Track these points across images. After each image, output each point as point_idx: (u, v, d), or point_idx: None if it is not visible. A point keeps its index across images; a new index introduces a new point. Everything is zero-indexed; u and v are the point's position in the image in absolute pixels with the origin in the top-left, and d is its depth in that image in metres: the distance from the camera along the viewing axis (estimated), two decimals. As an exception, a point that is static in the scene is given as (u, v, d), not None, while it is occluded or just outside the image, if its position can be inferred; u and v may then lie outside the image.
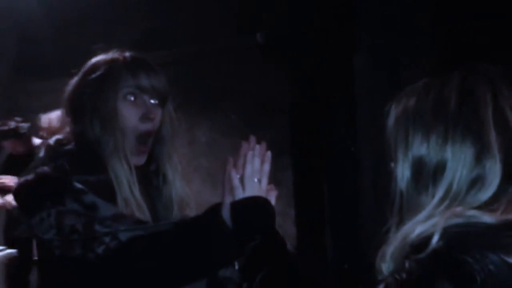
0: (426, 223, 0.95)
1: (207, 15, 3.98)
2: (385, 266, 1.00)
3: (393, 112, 1.05)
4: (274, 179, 4.23)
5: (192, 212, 1.60)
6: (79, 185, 1.45)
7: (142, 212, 1.51)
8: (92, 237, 1.37)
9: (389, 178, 2.07)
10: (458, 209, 0.95)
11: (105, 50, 1.62)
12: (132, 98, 1.54)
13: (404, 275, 0.93)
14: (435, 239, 0.92)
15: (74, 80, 1.60)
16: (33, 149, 3.75)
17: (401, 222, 1.01)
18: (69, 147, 1.58)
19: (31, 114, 3.72)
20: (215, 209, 1.37)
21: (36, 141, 3.79)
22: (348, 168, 1.91)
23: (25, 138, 3.87)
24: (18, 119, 3.84)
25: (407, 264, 0.93)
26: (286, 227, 3.76)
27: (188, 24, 4.07)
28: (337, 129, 1.96)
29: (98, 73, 1.56)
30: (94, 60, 1.61)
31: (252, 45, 3.72)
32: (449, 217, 0.94)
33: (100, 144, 1.53)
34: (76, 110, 1.57)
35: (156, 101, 1.57)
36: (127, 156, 1.53)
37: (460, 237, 0.93)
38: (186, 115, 4.42)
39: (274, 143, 4.21)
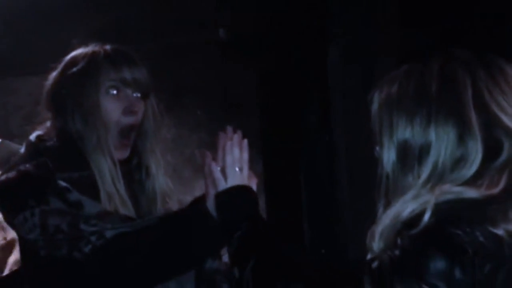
0: (416, 200, 1.01)
1: (167, 10, 3.95)
2: (376, 245, 1.04)
3: (377, 99, 1.10)
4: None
5: (174, 206, 1.60)
6: (63, 183, 1.44)
7: (126, 207, 1.51)
8: (78, 236, 1.36)
9: (364, 165, 2.11)
10: (446, 186, 1.00)
11: (84, 44, 1.61)
12: (115, 92, 1.54)
13: (397, 252, 0.97)
14: (427, 215, 0.97)
15: (53, 75, 1.58)
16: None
17: (388, 204, 1.07)
18: (50, 143, 1.55)
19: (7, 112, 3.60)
20: (199, 201, 1.39)
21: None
22: (322, 157, 1.95)
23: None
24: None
25: (399, 241, 0.98)
26: (255, 220, 3.79)
27: (148, 19, 4.04)
28: (310, 120, 1.99)
29: (78, 67, 1.55)
30: (74, 53, 1.60)
31: (215, 40, 3.72)
32: (439, 195, 0.99)
33: (82, 139, 1.52)
34: (57, 105, 1.56)
35: (139, 95, 1.57)
36: (111, 151, 1.53)
37: (450, 213, 0.98)
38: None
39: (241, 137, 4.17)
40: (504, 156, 1.02)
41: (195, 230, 1.38)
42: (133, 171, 1.62)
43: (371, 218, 1.92)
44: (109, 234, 1.37)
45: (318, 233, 2.02)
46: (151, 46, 4.10)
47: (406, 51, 1.95)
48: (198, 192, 4.48)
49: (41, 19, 3.92)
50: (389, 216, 1.04)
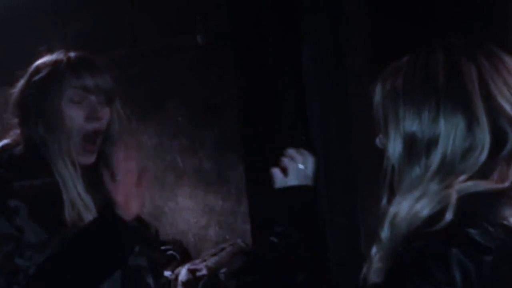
0: (433, 197, 0.99)
1: (145, 15, 3.94)
2: (384, 234, 1.03)
3: (380, 90, 1.08)
4: (221, 178, 4.24)
5: (146, 211, 1.62)
6: (13, 202, 1.46)
7: (89, 211, 1.52)
8: (13, 270, 1.40)
9: (340, 161, 2.09)
10: (460, 181, 0.99)
11: (50, 51, 1.61)
12: (78, 99, 1.54)
13: (417, 247, 0.95)
14: (448, 214, 0.95)
15: (20, 83, 1.59)
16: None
17: (392, 195, 1.05)
18: (16, 150, 1.56)
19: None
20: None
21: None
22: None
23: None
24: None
25: (418, 239, 0.95)
26: (237, 224, 3.79)
27: (126, 25, 4.02)
28: (287, 121, 2.00)
29: (42, 74, 1.57)
30: (40, 61, 1.61)
31: (193, 45, 3.71)
32: (456, 191, 0.97)
33: (45, 146, 1.53)
34: (22, 113, 1.57)
35: (102, 101, 1.57)
36: (73, 157, 1.53)
37: (467, 209, 0.96)
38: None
39: (222, 142, 4.21)
40: (509, 146, 1.01)
41: (107, 237, 1.43)
42: (101, 175, 1.62)
43: (347, 209, 1.95)
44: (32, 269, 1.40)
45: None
46: (130, 52, 4.08)
47: (377, 47, 1.99)
48: (180, 198, 4.44)
49: (20, 26, 3.89)
50: (402, 210, 1.01)
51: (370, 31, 1.96)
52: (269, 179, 2.28)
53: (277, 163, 2.03)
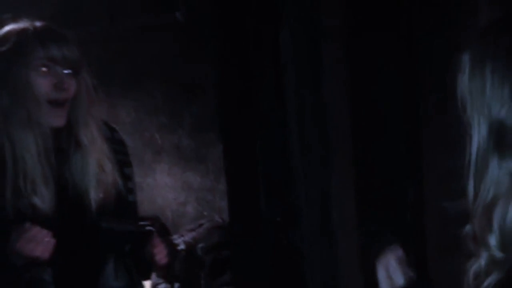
0: None
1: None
2: (493, 241, 0.87)
3: (467, 63, 0.91)
4: (200, 156, 4.28)
5: (108, 180, 1.63)
6: None
7: (45, 182, 1.52)
8: None
9: (314, 137, 2.09)
10: None
11: (15, 20, 1.60)
12: (44, 69, 1.55)
13: None
14: None
15: None
16: None
17: (478, 188, 0.90)
18: None
19: None
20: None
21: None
22: (278, 133, 2.03)
23: None
24: None
25: None
26: (215, 201, 3.84)
27: (106, 2, 3.99)
28: (265, 99, 2.05)
29: (7, 45, 1.55)
30: (4, 30, 1.59)
31: (172, 23, 3.72)
32: None
33: (9, 116, 1.52)
34: None
35: (69, 71, 1.58)
36: (40, 125, 1.53)
37: None
38: (108, 96, 4.37)
39: (199, 120, 4.24)
40: None
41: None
42: (63, 142, 1.62)
43: (322, 186, 2.01)
44: None
45: (274, 203, 2.12)
46: (109, 28, 4.07)
47: (356, 30, 2.04)
48: (158, 175, 4.47)
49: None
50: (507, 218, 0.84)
51: (346, 14, 2.01)
52: (246, 157, 2.35)
53: (253, 142, 2.10)
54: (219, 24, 2.15)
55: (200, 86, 3.73)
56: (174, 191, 3.95)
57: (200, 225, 3.50)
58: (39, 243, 1.41)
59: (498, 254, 0.86)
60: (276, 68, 1.95)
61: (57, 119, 1.56)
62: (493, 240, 0.86)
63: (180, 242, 3.17)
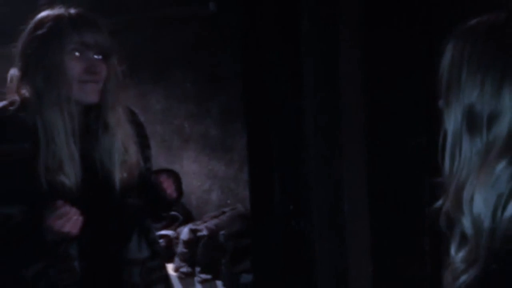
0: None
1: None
2: (466, 220, 0.91)
3: (449, 52, 0.98)
4: (225, 145, 4.34)
5: (133, 165, 1.70)
6: None
7: (72, 161, 1.61)
8: None
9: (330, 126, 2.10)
10: None
11: (50, 6, 1.68)
12: (77, 54, 1.63)
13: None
14: None
15: (22, 36, 1.66)
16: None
17: (452, 168, 0.95)
18: (4, 113, 1.64)
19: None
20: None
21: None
22: (293, 123, 2.08)
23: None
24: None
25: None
26: (239, 190, 3.91)
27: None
28: (285, 93, 2.11)
29: (44, 29, 1.63)
30: (41, 15, 1.67)
31: (203, 13, 3.78)
32: None
33: (41, 97, 1.61)
34: (23, 64, 1.64)
35: (100, 57, 1.66)
36: (70, 107, 1.62)
37: None
38: (140, 83, 4.47)
39: (227, 110, 4.29)
40: None
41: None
42: (91, 124, 1.70)
43: (333, 178, 2.05)
44: None
45: (288, 192, 2.17)
46: (142, 18, 4.15)
47: (369, 23, 2.06)
48: (185, 162, 4.55)
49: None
50: (478, 200, 0.89)
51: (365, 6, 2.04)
52: (271, 149, 2.40)
53: (277, 134, 2.15)
54: (246, 16, 2.21)
55: (229, 76, 3.79)
56: (199, 179, 4.03)
57: (223, 212, 3.57)
58: (69, 220, 1.50)
59: (470, 232, 0.90)
60: (295, 60, 2.00)
61: (91, 96, 1.64)
62: (467, 220, 0.90)
63: (203, 228, 3.25)
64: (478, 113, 0.92)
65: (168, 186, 1.76)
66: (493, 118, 0.91)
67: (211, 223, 3.36)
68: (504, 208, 0.88)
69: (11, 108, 1.65)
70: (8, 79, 1.71)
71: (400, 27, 2.01)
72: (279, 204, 2.15)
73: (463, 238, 0.93)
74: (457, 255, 0.93)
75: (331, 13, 1.99)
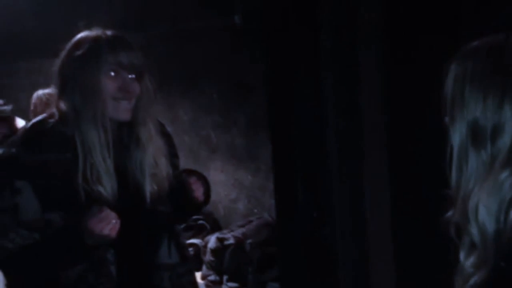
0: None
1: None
2: (474, 230, 0.96)
3: (454, 71, 1.04)
4: (251, 155, 4.40)
5: (163, 180, 1.77)
6: (19, 183, 1.66)
7: (109, 175, 1.69)
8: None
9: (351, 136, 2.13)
10: None
11: (88, 27, 1.77)
12: (113, 74, 1.71)
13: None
14: None
15: (62, 55, 1.75)
16: (16, 130, 3.85)
17: (459, 182, 1.01)
18: (45, 125, 1.73)
19: (16, 93, 3.77)
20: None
21: (20, 122, 3.89)
22: (315, 133, 2.13)
23: (8, 120, 3.94)
24: (1, 101, 3.92)
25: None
26: (265, 199, 3.95)
27: (167, 5, 4.18)
28: (304, 99, 2.15)
29: (83, 50, 1.72)
30: (79, 36, 1.77)
31: (231, 26, 3.85)
32: None
33: (79, 114, 1.70)
34: (62, 82, 1.74)
35: (134, 76, 1.74)
36: (105, 122, 1.70)
37: None
38: (168, 95, 4.58)
39: (253, 120, 4.36)
40: None
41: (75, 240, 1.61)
42: (124, 139, 1.77)
43: (355, 185, 2.08)
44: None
45: (311, 200, 2.21)
46: (170, 31, 4.25)
47: (388, 38, 2.10)
48: (212, 171, 4.61)
49: (68, 7, 4.09)
50: (482, 208, 0.95)
51: (383, 18, 2.07)
52: (295, 157, 2.44)
53: (301, 143, 2.19)
54: (270, 28, 2.26)
55: (254, 87, 3.85)
56: (226, 188, 4.09)
57: (250, 221, 3.61)
58: (108, 223, 1.57)
59: (477, 239, 0.95)
60: (316, 70, 2.05)
61: (124, 114, 1.72)
62: (474, 228, 0.96)
63: (230, 237, 3.30)
64: (482, 128, 0.98)
65: (197, 188, 1.83)
66: (496, 132, 0.97)
67: (238, 232, 3.40)
68: (507, 212, 0.93)
69: (50, 120, 1.74)
70: (32, 105, 1.80)
71: (420, 40, 2.04)
72: (302, 212, 2.19)
73: (472, 245, 0.98)
74: (466, 261, 0.98)
75: (350, 29, 2.03)
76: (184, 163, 4.17)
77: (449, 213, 1.02)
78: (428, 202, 2.02)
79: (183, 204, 1.87)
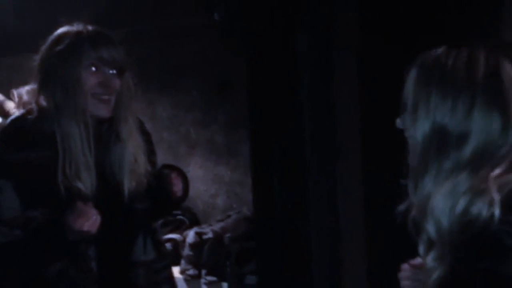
0: (478, 197, 0.95)
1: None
2: (430, 227, 1.00)
3: (415, 74, 1.06)
4: (231, 151, 4.46)
5: (141, 176, 1.80)
6: (0, 182, 1.67)
7: (88, 170, 1.71)
8: None
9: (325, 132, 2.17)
10: (495, 176, 0.96)
11: (69, 23, 1.79)
12: (94, 69, 1.74)
13: (476, 244, 0.92)
14: (496, 210, 0.93)
15: (42, 50, 1.76)
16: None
17: (416, 180, 1.03)
18: (25, 122, 1.74)
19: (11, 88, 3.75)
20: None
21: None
22: (292, 130, 2.19)
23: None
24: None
25: (471, 244, 0.93)
26: (244, 195, 4.01)
27: (147, 3, 4.19)
28: (281, 98, 2.22)
29: (64, 44, 1.74)
30: (60, 31, 1.78)
31: (209, 23, 3.89)
32: (496, 186, 0.95)
33: (60, 109, 1.72)
34: (42, 78, 1.75)
35: (115, 72, 1.76)
36: (85, 118, 1.73)
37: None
38: (147, 92, 4.60)
39: (232, 117, 4.41)
40: None
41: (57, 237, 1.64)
42: (104, 134, 1.80)
43: (329, 180, 2.15)
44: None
45: (287, 195, 2.27)
46: (150, 28, 4.27)
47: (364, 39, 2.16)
48: (192, 167, 4.65)
49: (50, 2, 4.08)
50: (438, 205, 0.98)
51: (360, 29, 2.14)
52: (272, 154, 2.50)
53: (278, 140, 2.26)
54: (249, 27, 2.32)
55: (234, 85, 3.89)
56: (205, 184, 4.14)
57: (229, 216, 3.66)
58: (89, 219, 1.61)
59: (434, 235, 1.00)
60: (293, 70, 2.11)
61: (103, 111, 1.75)
62: (430, 225, 1.00)
63: (209, 231, 3.34)
64: (448, 134, 1.00)
65: (177, 184, 1.86)
66: (461, 138, 1.00)
67: (217, 226, 3.45)
68: (456, 206, 0.97)
69: (29, 116, 1.75)
70: (16, 97, 1.82)
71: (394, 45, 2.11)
72: (278, 206, 2.25)
73: (430, 242, 1.02)
74: (427, 256, 1.03)
75: (326, 29, 2.10)
76: (164, 159, 4.21)
77: (403, 206, 1.07)
78: (400, 198, 2.09)
79: (162, 200, 1.90)
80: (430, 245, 1.02)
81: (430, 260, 1.02)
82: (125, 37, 3.20)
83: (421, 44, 1.15)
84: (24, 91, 2.18)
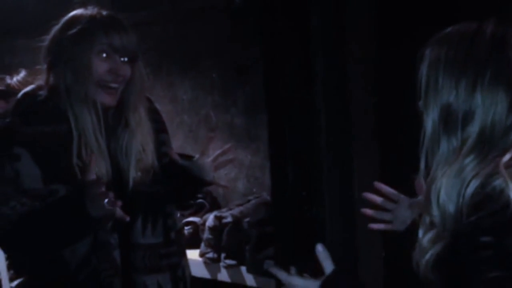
0: (476, 176, 0.94)
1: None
2: (435, 211, 0.99)
3: (427, 57, 1.06)
4: (251, 135, 4.45)
5: (148, 166, 1.78)
6: (18, 150, 1.66)
7: (102, 156, 1.72)
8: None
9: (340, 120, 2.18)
10: (506, 162, 0.94)
11: (84, 5, 1.79)
12: (104, 55, 1.74)
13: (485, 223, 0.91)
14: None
15: (54, 30, 1.77)
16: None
17: (427, 164, 1.04)
18: (39, 97, 1.75)
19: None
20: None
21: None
22: (305, 114, 2.18)
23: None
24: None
25: (474, 227, 0.92)
26: (264, 179, 3.99)
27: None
28: (295, 82, 2.20)
29: (76, 28, 1.74)
30: (74, 13, 1.78)
31: (229, 6, 3.85)
32: (507, 171, 0.94)
33: (70, 93, 1.73)
34: (52, 59, 1.75)
35: (126, 59, 1.76)
36: (96, 105, 1.73)
37: None
38: (168, 74, 4.61)
39: (252, 100, 4.37)
40: None
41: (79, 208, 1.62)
42: (113, 122, 1.80)
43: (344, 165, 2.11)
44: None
45: (301, 180, 2.26)
46: (170, 11, 4.26)
47: (378, 23, 2.12)
48: (211, 151, 4.67)
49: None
50: (445, 188, 0.97)
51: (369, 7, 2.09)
52: (287, 138, 2.48)
53: (293, 125, 2.23)
54: (265, 11, 2.29)
55: (253, 68, 3.86)
56: (226, 167, 4.12)
57: (248, 200, 3.66)
58: (108, 196, 1.61)
59: (437, 219, 1.00)
60: (307, 54, 2.09)
61: (108, 100, 1.75)
62: (435, 210, 1.00)
63: (228, 215, 3.35)
64: (453, 113, 1.01)
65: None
66: (467, 118, 1.00)
67: (236, 210, 3.45)
68: (466, 189, 0.97)
69: (41, 92, 1.76)
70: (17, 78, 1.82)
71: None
72: (293, 192, 2.24)
73: (431, 224, 1.03)
74: (424, 237, 1.04)
75: (340, 11, 2.06)
76: (184, 142, 4.21)
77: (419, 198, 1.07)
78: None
79: (183, 188, 1.89)
80: (430, 227, 1.03)
81: (425, 241, 1.03)
82: (145, 19, 3.20)
83: (438, 24, 1.13)
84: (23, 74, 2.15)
